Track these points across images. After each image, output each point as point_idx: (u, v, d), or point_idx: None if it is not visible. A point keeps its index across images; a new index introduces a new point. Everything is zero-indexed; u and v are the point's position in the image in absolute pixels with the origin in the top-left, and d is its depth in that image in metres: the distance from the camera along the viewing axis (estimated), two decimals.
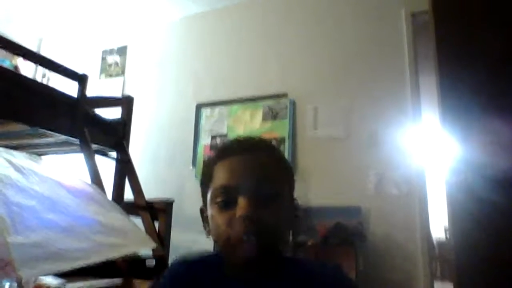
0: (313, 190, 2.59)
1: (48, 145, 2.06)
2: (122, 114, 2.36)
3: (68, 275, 1.37)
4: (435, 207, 3.42)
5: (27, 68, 2.24)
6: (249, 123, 2.99)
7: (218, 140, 3.08)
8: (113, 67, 3.79)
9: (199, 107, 3.25)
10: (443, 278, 4.90)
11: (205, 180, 0.73)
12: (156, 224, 2.17)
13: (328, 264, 0.73)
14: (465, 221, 2.03)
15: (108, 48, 3.86)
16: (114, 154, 2.29)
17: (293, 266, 0.71)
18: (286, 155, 2.72)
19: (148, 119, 3.40)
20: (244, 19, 3.30)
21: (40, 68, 3.80)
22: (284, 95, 2.94)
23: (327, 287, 0.68)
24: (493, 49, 1.79)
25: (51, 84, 2.37)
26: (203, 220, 0.75)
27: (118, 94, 3.56)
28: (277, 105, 2.94)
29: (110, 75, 3.78)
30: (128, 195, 2.26)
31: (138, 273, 1.83)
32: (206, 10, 3.46)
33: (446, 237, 4.93)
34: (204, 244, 1.05)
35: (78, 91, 1.98)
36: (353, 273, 2.12)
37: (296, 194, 0.74)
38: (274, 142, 2.80)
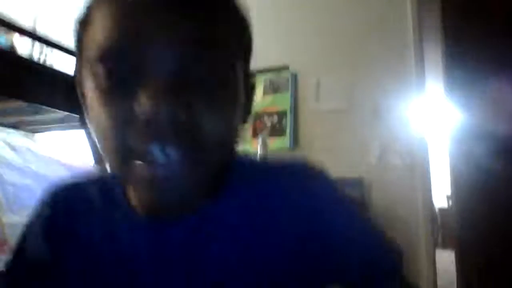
0: (316, 162, 2.59)
1: (48, 122, 2.05)
2: None
3: None
4: (438, 177, 3.44)
5: (23, 44, 2.20)
6: None
7: None
8: None
9: None
10: (444, 245, 4.98)
11: (79, 32, 0.42)
12: None
13: (295, 173, 0.54)
14: (468, 191, 2.04)
15: None
16: None
17: (243, 188, 0.49)
18: (288, 128, 2.70)
19: None
20: None
21: (37, 44, 3.73)
22: (285, 68, 2.90)
23: (292, 212, 0.49)
24: (498, 19, 1.75)
25: (49, 60, 2.33)
26: (80, 99, 0.45)
27: None
28: (278, 78, 2.89)
29: None
30: None
31: None
32: None
33: (449, 205, 4.98)
34: None
35: None
36: None
37: None
38: (275, 116, 2.78)
